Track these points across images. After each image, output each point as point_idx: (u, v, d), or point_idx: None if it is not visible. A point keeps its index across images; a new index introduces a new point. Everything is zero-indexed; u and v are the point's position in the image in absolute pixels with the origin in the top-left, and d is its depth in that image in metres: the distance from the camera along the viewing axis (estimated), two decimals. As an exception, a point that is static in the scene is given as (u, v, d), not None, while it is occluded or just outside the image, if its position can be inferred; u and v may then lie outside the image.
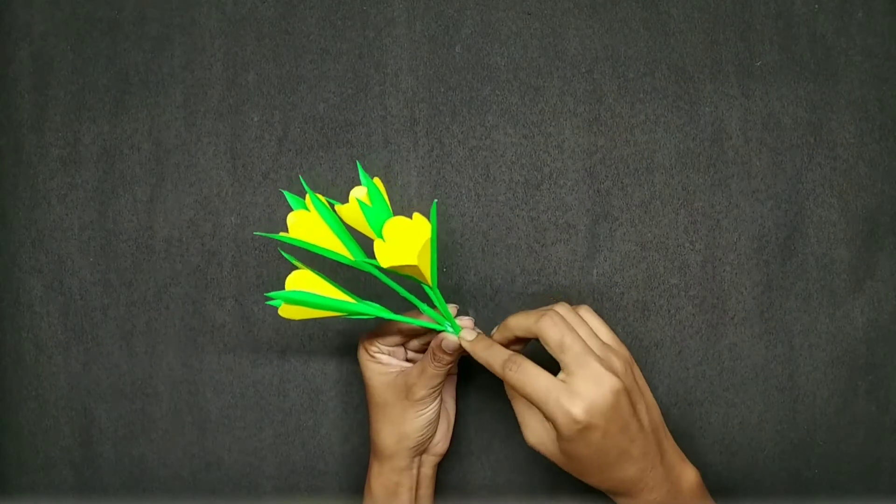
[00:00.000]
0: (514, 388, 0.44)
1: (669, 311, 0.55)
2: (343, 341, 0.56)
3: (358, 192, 0.44)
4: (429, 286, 0.45)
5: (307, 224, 0.45)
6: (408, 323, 0.48)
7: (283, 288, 0.45)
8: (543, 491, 0.56)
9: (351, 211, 0.44)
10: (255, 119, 0.56)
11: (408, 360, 0.51)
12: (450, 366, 0.48)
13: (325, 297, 0.45)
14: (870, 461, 0.55)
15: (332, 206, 0.45)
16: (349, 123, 0.56)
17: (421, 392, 0.48)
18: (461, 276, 0.55)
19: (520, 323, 0.46)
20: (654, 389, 0.55)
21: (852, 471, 0.55)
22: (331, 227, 0.45)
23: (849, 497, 0.55)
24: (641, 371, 0.47)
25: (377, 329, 0.50)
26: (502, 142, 0.55)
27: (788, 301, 0.55)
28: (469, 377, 0.56)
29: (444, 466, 0.55)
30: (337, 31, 0.56)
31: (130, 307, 0.57)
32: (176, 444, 0.57)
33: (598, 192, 0.55)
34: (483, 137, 0.55)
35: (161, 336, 0.57)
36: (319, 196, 0.45)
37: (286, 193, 0.46)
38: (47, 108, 0.57)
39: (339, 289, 0.46)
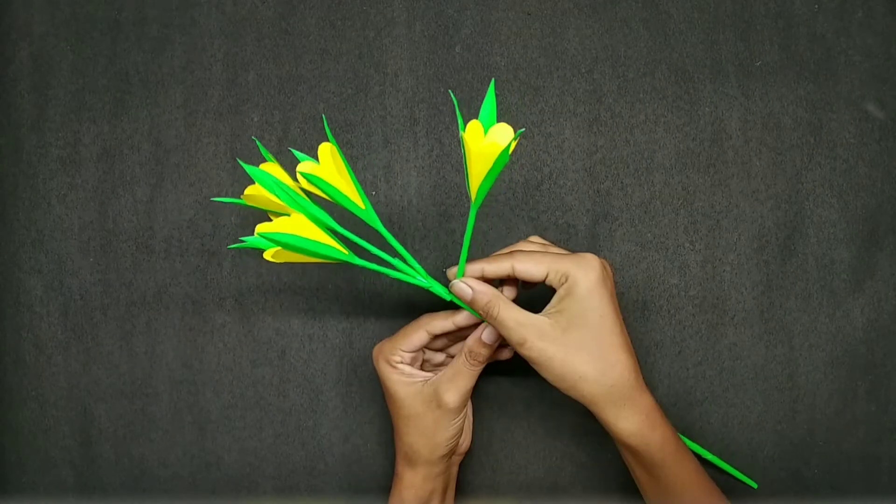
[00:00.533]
0: (526, 270, 0.45)
1: (669, 311, 0.55)
2: (343, 341, 0.56)
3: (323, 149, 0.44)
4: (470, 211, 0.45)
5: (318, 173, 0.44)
6: (401, 279, 0.46)
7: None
8: (543, 491, 0.56)
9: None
10: (255, 119, 0.56)
11: (421, 370, 0.50)
12: (483, 366, 0.47)
13: (314, 242, 0.43)
14: (870, 461, 0.55)
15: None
16: (349, 123, 0.56)
17: (454, 398, 0.47)
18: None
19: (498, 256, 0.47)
20: (654, 389, 0.55)
21: (852, 471, 0.55)
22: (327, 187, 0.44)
23: (849, 497, 0.55)
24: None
25: (400, 335, 0.48)
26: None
27: (788, 301, 0.55)
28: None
29: (444, 466, 0.55)
30: (337, 31, 0.56)
31: (130, 307, 0.57)
32: (176, 444, 0.57)
33: (598, 192, 0.55)
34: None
35: (161, 336, 0.57)
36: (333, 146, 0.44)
37: (294, 151, 0.45)
38: (47, 108, 0.57)
39: (328, 235, 0.44)
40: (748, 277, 0.55)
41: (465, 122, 0.42)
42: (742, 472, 0.55)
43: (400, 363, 0.48)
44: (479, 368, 0.48)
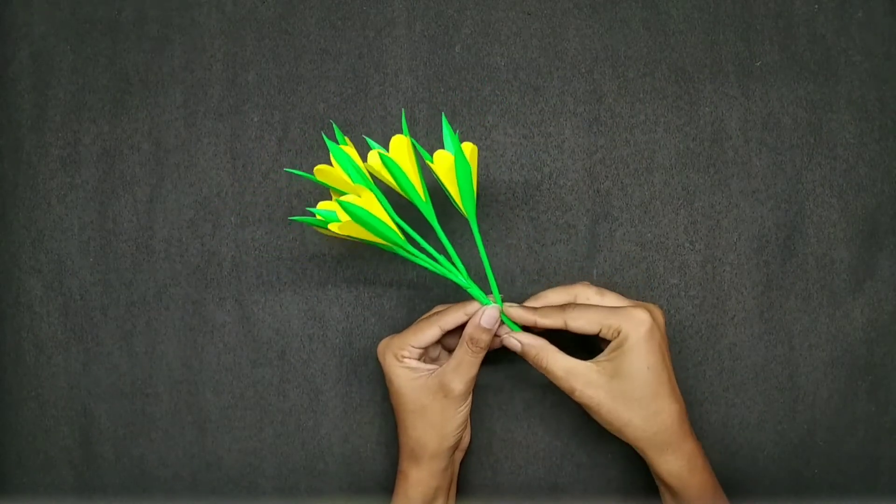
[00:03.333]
0: (579, 327, 0.47)
1: (669, 311, 0.55)
2: (343, 341, 0.56)
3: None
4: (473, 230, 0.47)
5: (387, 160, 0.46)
6: (443, 274, 0.47)
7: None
8: (543, 491, 0.56)
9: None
10: (255, 119, 0.56)
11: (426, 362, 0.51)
12: (486, 351, 0.48)
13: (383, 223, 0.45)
14: (870, 461, 0.55)
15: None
16: (349, 123, 0.56)
17: (459, 387, 0.48)
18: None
19: (557, 290, 0.50)
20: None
21: (852, 471, 0.55)
22: (396, 176, 0.46)
23: (849, 497, 0.55)
24: None
25: (411, 330, 0.49)
26: (502, 142, 0.55)
27: (788, 301, 0.55)
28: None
29: (444, 466, 0.55)
30: (337, 31, 0.56)
31: (130, 307, 0.57)
32: (176, 444, 0.57)
33: (598, 192, 0.55)
34: (483, 137, 0.55)
35: (161, 336, 0.57)
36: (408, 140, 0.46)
37: (368, 140, 0.47)
38: (47, 108, 0.57)
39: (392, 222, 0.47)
40: (748, 277, 0.55)
41: (464, 134, 0.43)
42: (742, 471, 0.55)
43: (407, 358, 0.48)
44: (481, 355, 0.48)
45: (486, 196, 0.55)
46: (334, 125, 0.47)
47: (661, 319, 0.48)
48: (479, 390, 0.56)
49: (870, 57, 0.55)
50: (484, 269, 0.49)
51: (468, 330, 0.47)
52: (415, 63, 0.56)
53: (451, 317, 0.48)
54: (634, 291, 0.55)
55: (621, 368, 0.46)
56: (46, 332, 0.57)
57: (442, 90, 0.55)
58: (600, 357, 0.47)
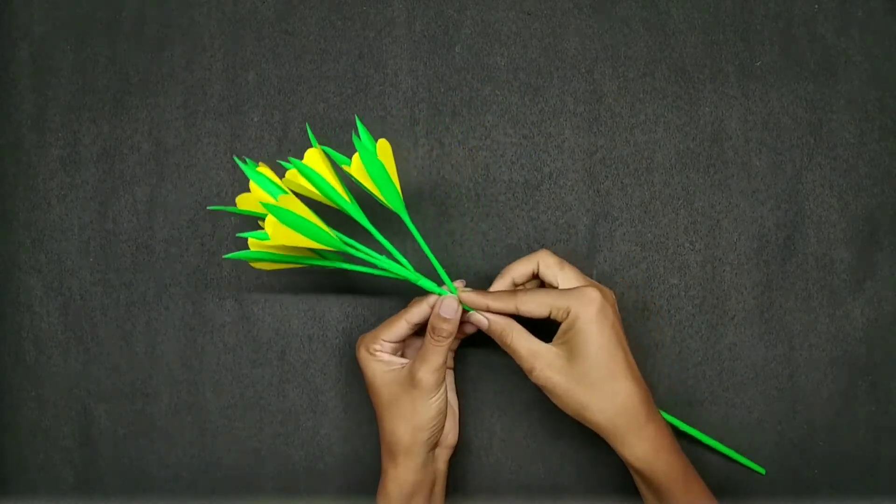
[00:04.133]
0: (529, 311, 0.47)
1: (669, 312, 0.55)
2: (343, 341, 0.56)
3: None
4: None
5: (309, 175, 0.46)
6: (402, 276, 0.48)
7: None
8: (543, 491, 0.56)
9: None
10: (255, 119, 0.56)
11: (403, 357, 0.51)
12: (450, 340, 0.48)
13: (315, 225, 0.45)
14: (870, 461, 0.55)
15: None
16: (349, 123, 0.56)
17: (426, 376, 0.48)
18: (461, 277, 0.55)
19: (520, 262, 0.50)
20: (653, 390, 0.55)
21: (852, 471, 0.55)
22: (322, 186, 0.47)
23: (849, 497, 0.55)
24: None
25: (383, 325, 0.50)
26: (502, 142, 0.55)
27: (788, 301, 0.55)
28: (466, 377, 0.56)
29: (444, 466, 0.55)
30: (337, 31, 0.56)
31: (130, 307, 0.57)
32: (176, 444, 0.57)
33: (598, 192, 0.55)
34: (483, 137, 0.55)
35: (161, 336, 0.57)
36: (321, 148, 0.46)
37: (281, 162, 0.47)
38: (47, 108, 0.57)
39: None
40: (748, 277, 0.55)
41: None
42: (742, 471, 0.55)
43: (379, 351, 0.49)
44: (445, 344, 0.48)
45: (486, 196, 0.55)
46: (248, 168, 0.47)
47: (612, 299, 0.47)
48: (479, 389, 0.56)
49: (870, 57, 0.55)
50: (436, 263, 0.49)
51: (430, 320, 0.48)
52: (415, 63, 0.56)
53: (417, 310, 0.49)
54: (634, 291, 0.55)
55: (575, 349, 0.46)
56: (46, 332, 0.57)
57: (442, 90, 0.55)
58: (556, 338, 0.47)
